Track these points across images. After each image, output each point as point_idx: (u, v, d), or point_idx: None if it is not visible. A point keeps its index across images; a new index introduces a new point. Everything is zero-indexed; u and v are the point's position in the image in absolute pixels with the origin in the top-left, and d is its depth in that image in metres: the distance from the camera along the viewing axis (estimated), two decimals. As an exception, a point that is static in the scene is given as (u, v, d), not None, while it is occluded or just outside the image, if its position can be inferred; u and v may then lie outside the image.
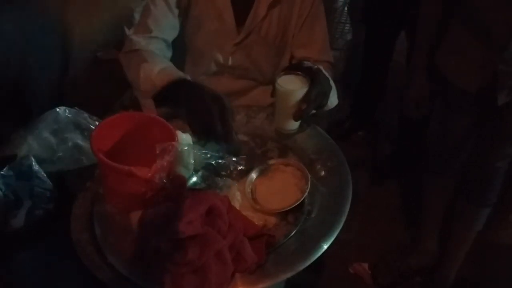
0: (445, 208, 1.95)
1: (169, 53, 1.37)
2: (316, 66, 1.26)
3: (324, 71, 1.27)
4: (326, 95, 1.21)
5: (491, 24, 1.41)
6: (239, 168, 1.12)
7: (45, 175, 1.14)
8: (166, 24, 1.34)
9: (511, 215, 2.24)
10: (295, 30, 1.42)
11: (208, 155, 1.08)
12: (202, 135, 1.11)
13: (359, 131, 2.72)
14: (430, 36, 1.62)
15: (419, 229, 2.07)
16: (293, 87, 1.18)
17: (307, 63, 1.28)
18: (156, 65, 1.22)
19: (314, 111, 1.22)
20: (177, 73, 1.20)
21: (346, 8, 3.82)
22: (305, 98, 1.17)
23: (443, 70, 1.62)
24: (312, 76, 1.19)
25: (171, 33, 1.38)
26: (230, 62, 1.44)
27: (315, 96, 1.17)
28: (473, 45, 1.48)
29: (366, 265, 2.02)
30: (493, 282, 2.02)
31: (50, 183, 1.13)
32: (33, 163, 1.14)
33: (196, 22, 1.40)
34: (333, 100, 1.33)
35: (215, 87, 1.46)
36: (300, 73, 1.21)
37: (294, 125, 1.23)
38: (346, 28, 3.63)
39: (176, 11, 1.36)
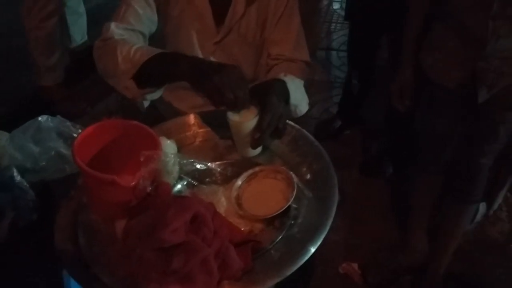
0: (433, 205, 1.96)
1: None
2: (276, 80, 1.27)
3: (290, 82, 1.28)
4: (281, 118, 1.19)
5: (469, 23, 1.42)
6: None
7: (27, 185, 1.13)
8: (145, 18, 1.33)
9: (498, 210, 2.26)
10: (270, 27, 1.42)
11: (193, 162, 1.07)
12: (216, 104, 1.10)
13: (346, 131, 2.72)
14: (417, 29, 1.63)
15: (408, 228, 2.08)
16: (243, 118, 1.16)
17: (261, 83, 1.28)
18: (134, 45, 1.20)
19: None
20: (158, 49, 1.19)
21: (331, 7, 3.84)
22: (257, 128, 1.15)
23: (425, 67, 1.63)
24: (263, 102, 1.17)
25: (150, 27, 1.36)
26: None
27: (267, 124, 1.15)
28: (453, 43, 1.50)
29: (355, 265, 2.02)
30: (482, 278, 2.04)
31: (33, 193, 1.12)
32: (15, 173, 1.13)
33: (176, 22, 1.40)
34: (302, 108, 1.34)
35: None
36: (250, 102, 1.17)
37: (254, 152, 1.22)
38: (331, 27, 3.65)
39: (154, 6, 1.35)
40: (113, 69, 1.20)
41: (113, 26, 1.27)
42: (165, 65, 1.15)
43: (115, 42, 1.23)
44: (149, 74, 1.17)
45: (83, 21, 3.05)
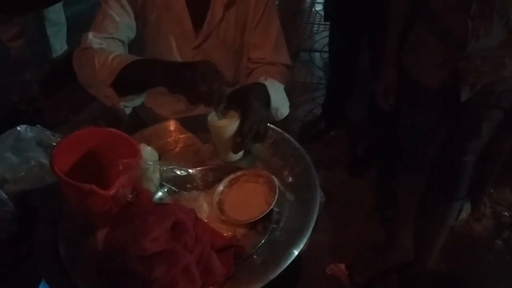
0: (418, 203, 1.97)
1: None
2: (257, 83, 1.27)
3: (270, 86, 1.28)
4: (262, 122, 1.19)
5: (449, 24, 1.44)
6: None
7: (6, 196, 1.11)
8: (123, 25, 1.34)
9: (483, 207, 2.28)
10: (250, 31, 1.43)
11: (173, 168, 1.07)
12: (192, 100, 1.10)
13: (331, 132, 2.73)
14: (399, 28, 1.63)
15: (393, 226, 2.09)
16: (224, 123, 1.16)
17: (242, 88, 1.28)
18: (111, 53, 1.22)
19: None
20: (135, 56, 1.21)
21: (313, 9, 3.86)
22: (239, 132, 1.15)
23: (407, 68, 1.64)
24: (243, 107, 1.17)
25: (128, 34, 1.37)
26: None
27: (248, 128, 1.15)
28: (434, 43, 1.51)
29: (342, 266, 2.03)
30: (468, 274, 2.05)
31: (11, 204, 1.11)
32: (-7, 185, 1.11)
33: (154, 28, 1.39)
34: (283, 111, 1.34)
35: None
36: (230, 106, 1.18)
37: (235, 156, 1.22)
38: (314, 29, 3.66)
39: (132, 13, 1.35)
40: (92, 78, 1.21)
41: (91, 35, 1.28)
42: (141, 72, 1.16)
43: (93, 52, 1.23)
44: (126, 81, 1.17)
45: (63, 31, 3.03)
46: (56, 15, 2.93)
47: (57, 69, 2.95)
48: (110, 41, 1.30)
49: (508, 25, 1.38)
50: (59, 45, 3.03)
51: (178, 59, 1.41)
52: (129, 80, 1.17)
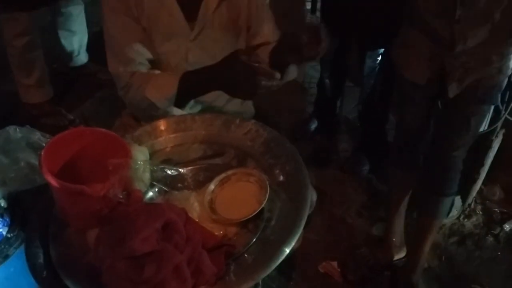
0: (410, 200, 1.98)
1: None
2: None
3: None
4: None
5: (436, 26, 1.45)
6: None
7: (-5, 198, 1.10)
8: (137, 45, 1.36)
9: (474, 203, 2.29)
10: (249, 21, 1.44)
11: (164, 168, 1.07)
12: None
13: (322, 130, 2.72)
14: None
15: (385, 223, 2.10)
16: None
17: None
18: (153, 79, 1.33)
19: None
20: (176, 77, 1.31)
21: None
22: None
23: (396, 64, 1.65)
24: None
25: (144, 51, 1.38)
26: (189, 60, 1.43)
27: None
28: (422, 40, 1.52)
29: (335, 263, 2.03)
30: (459, 271, 2.06)
31: (2, 206, 1.10)
32: (-18, 187, 1.10)
33: (150, 26, 1.38)
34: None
35: None
36: None
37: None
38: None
39: (137, 27, 1.36)
40: (153, 109, 1.33)
41: (121, 69, 1.36)
42: (199, 87, 1.30)
43: (136, 87, 1.34)
44: (184, 99, 1.32)
45: (77, 40, 2.85)
46: (69, 20, 2.77)
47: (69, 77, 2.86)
48: (139, 66, 1.37)
49: (493, 23, 1.39)
50: (72, 53, 2.88)
51: (176, 54, 1.41)
52: (187, 97, 1.33)
